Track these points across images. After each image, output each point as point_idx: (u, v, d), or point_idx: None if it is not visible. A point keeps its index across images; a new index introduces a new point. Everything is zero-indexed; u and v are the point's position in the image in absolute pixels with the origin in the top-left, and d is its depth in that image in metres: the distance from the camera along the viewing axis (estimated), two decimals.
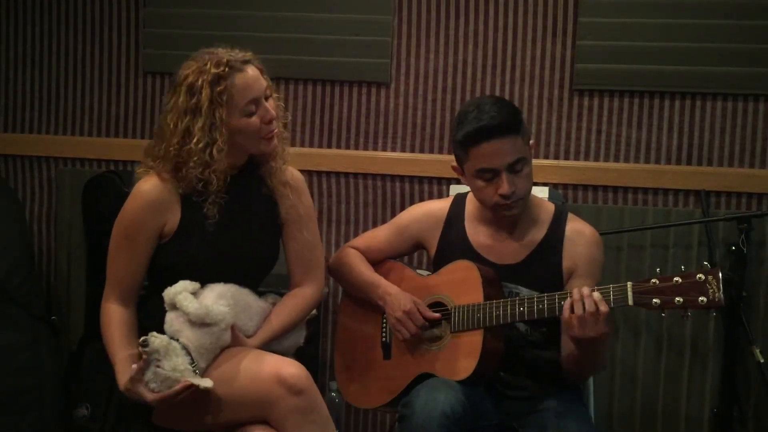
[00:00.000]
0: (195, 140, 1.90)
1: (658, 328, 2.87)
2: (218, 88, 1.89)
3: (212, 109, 1.89)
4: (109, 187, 2.84)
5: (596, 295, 1.84)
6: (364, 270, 2.22)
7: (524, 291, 2.07)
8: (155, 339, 1.81)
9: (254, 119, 1.95)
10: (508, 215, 2.07)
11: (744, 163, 2.85)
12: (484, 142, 1.97)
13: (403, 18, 3.00)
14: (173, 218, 1.98)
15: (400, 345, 2.13)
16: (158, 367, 1.80)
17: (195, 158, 1.91)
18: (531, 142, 2.07)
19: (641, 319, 2.87)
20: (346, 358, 2.27)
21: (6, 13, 3.23)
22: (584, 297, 1.83)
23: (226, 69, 1.90)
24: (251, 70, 1.95)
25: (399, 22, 3.00)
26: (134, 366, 1.82)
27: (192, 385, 1.79)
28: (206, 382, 1.80)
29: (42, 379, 2.87)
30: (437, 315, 2.07)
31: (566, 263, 2.08)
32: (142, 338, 1.81)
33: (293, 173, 2.13)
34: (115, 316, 1.97)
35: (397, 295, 2.11)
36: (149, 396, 1.81)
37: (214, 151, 1.91)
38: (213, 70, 1.89)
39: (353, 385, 2.23)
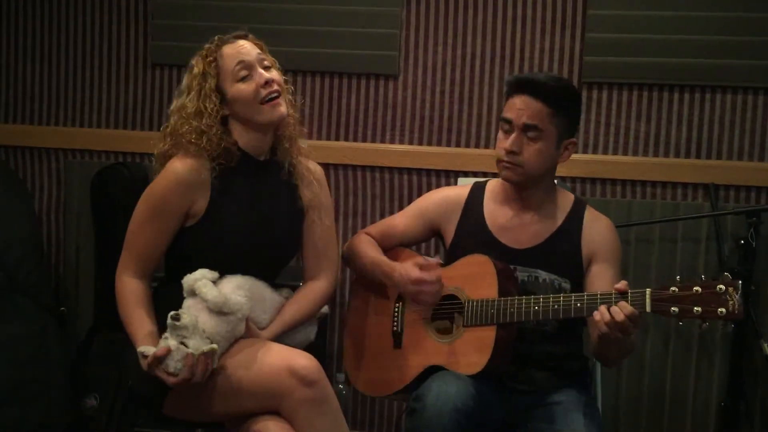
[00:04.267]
0: (187, 110, 1.98)
1: (665, 322, 2.86)
2: (208, 59, 2.00)
3: (204, 80, 1.98)
4: (117, 178, 2.84)
5: (622, 304, 1.82)
6: (371, 252, 2.22)
7: (543, 274, 2.07)
8: (186, 316, 1.82)
9: (249, 84, 1.99)
10: (502, 176, 2.09)
11: (753, 157, 2.85)
12: (515, 94, 2.05)
13: (412, 10, 2.99)
14: (202, 200, 1.99)
15: (411, 335, 2.13)
16: (182, 343, 1.79)
17: (187, 126, 1.96)
18: (572, 139, 2.08)
19: (649, 313, 2.85)
20: (356, 345, 2.26)
21: (14, 4, 3.24)
22: (612, 317, 1.81)
23: (217, 43, 2.02)
24: (243, 42, 2.03)
25: (408, 14, 3.00)
26: (153, 351, 1.80)
27: (207, 354, 1.79)
28: (211, 346, 1.80)
29: (50, 369, 2.88)
30: (434, 261, 2.09)
31: (585, 249, 2.09)
32: (174, 312, 1.82)
33: (315, 165, 2.18)
34: (131, 289, 1.97)
35: (400, 269, 2.10)
36: (170, 380, 1.79)
37: (206, 119, 1.96)
38: (205, 46, 2.02)
39: (363, 372, 2.22)
